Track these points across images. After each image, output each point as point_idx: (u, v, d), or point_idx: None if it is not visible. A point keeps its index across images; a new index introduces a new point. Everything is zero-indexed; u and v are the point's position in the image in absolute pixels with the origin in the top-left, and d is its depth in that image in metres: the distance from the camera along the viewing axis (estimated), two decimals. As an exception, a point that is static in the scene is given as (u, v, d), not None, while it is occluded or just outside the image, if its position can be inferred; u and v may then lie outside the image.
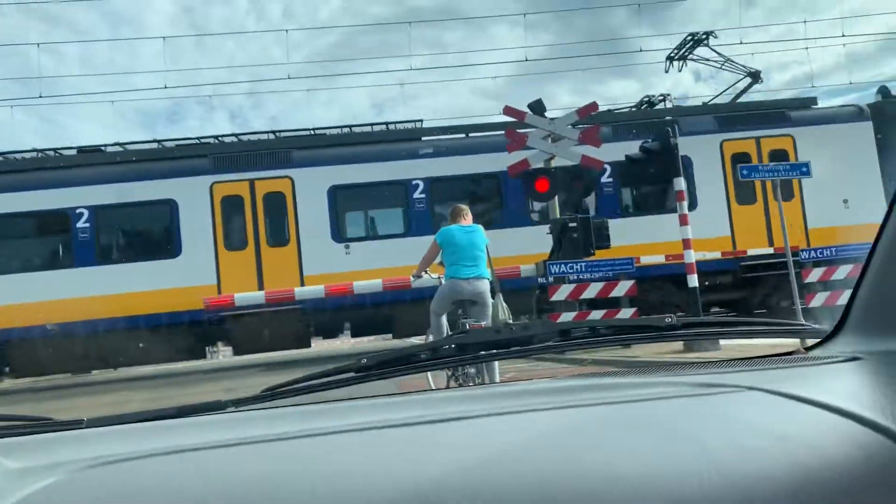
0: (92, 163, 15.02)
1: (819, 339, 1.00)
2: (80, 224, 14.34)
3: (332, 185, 14.81)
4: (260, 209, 14.82)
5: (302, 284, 14.10)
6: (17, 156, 15.46)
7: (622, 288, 10.83)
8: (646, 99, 18.03)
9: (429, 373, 6.30)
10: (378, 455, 0.63)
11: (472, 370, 6.08)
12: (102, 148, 15.70)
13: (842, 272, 10.44)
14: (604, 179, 15.11)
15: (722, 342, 8.72)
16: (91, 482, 0.60)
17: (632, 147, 14.64)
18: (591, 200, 15.50)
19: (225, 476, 0.62)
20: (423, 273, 7.21)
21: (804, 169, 10.17)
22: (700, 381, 0.74)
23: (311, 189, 14.72)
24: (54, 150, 15.66)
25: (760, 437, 0.57)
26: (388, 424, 0.72)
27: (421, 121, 16.69)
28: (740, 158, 15.06)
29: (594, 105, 12.86)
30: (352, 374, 0.99)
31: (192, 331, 14.36)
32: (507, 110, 12.44)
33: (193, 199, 14.50)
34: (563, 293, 10.69)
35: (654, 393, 0.74)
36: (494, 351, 1.03)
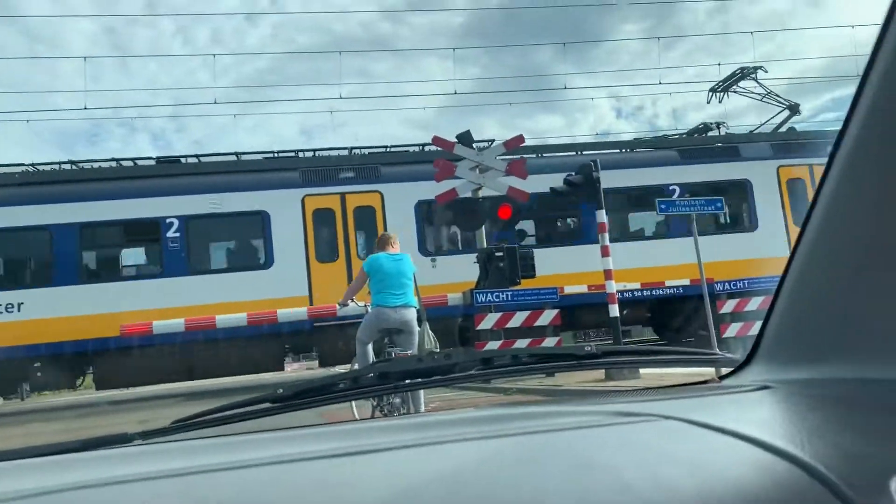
0: (184, 172, 14.96)
1: (732, 369, 1.03)
2: (170, 234, 14.12)
3: (419, 200, 14.99)
4: (350, 222, 14.97)
5: None
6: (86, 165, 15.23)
7: (547, 317, 11.01)
8: (701, 126, 18.88)
9: (353, 403, 6.20)
10: (295, 488, 0.60)
11: (398, 400, 6.02)
12: (181, 159, 15.66)
13: (754, 304, 10.90)
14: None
15: (641, 370, 8.94)
16: None
17: (707, 170, 15.79)
18: (664, 220, 16.17)
19: None
20: (349, 301, 7.14)
21: (718, 205, 10.60)
22: (617, 409, 0.75)
23: (399, 203, 14.97)
24: (132, 159, 15.44)
25: (675, 466, 0.58)
26: (305, 457, 0.69)
27: (493, 140, 17.03)
28: (795, 183, 16.07)
29: (521, 138, 13.14)
30: (267, 405, 0.96)
31: (278, 342, 14.31)
32: (436, 140, 12.57)
33: (285, 212, 14.50)
34: (489, 322, 10.77)
35: (572, 422, 0.74)
36: (416, 380, 1.02)
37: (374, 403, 6.14)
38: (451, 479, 0.58)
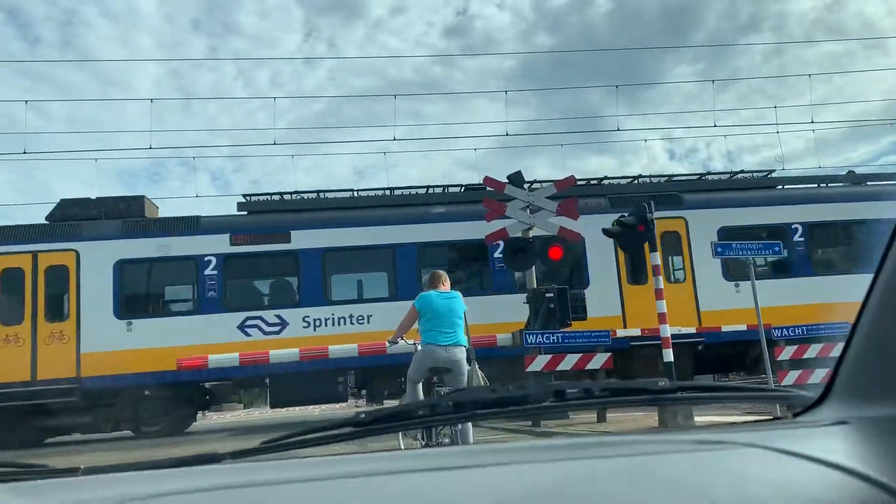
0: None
1: (806, 406, 1.03)
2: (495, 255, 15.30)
3: (721, 227, 15.84)
4: (658, 247, 15.59)
5: (699, 321, 15.14)
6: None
7: (599, 360, 10.82)
8: None
9: (400, 437, 6.18)
10: (378, 500, 0.64)
11: (447, 440, 6.00)
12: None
13: (813, 351, 10.54)
14: (796, 238, 16.35)
15: (696, 418, 8.71)
16: None
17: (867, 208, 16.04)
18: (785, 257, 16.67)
19: None
20: (399, 339, 7.16)
21: (776, 248, 10.38)
22: (698, 438, 0.76)
23: (702, 229, 15.73)
24: (442, 186, 17.36)
25: (764, 489, 0.59)
26: (385, 472, 0.73)
27: (772, 170, 18.22)
28: None
29: (572, 178, 13.19)
30: (349, 429, 1.00)
31: None
32: (487, 181, 12.68)
33: (599, 236, 15.24)
34: (538, 364, 10.64)
35: (655, 448, 0.75)
36: (492, 409, 1.04)
37: (423, 441, 6.12)
38: (538, 497, 0.61)
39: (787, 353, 10.70)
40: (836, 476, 0.61)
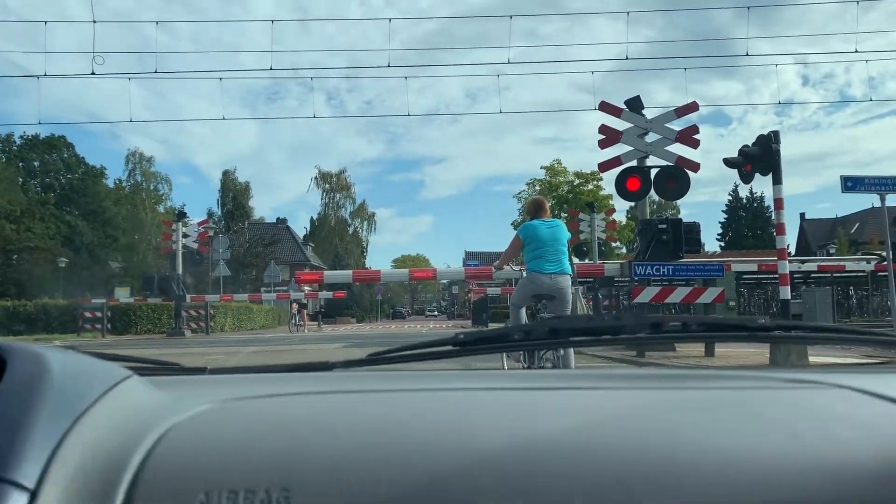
0: None
1: (916, 352, 0.99)
2: None
3: None
4: None
5: None
6: None
7: (710, 294, 10.51)
8: None
9: (504, 358, 6.34)
10: (475, 411, 0.69)
11: (549, 364, 6.09)
12: None
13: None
14: None
15: (811, 358, 8.39)
16: (230, 413, 0.69)
17: None
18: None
19: (334, 414, 0.70)
20: (504, 266, 7.26)
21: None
22: (786, 377, 0.77)
23: None
24: None
25: (848, 427, 0.59)
26: (483, 388, 0.77)
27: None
28: None
29: (694, 105, 12.54)
30: (449, 347, 1.06)
31: None
32: (603, 106, 12.29)
33: None
34: (646, 296, 10.46)
35: (742, 384, 0.76)
36: (586, 337, 1.07)
37: (525, 365, 6.24)
38: (628, 418, 0.64)
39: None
40: None
